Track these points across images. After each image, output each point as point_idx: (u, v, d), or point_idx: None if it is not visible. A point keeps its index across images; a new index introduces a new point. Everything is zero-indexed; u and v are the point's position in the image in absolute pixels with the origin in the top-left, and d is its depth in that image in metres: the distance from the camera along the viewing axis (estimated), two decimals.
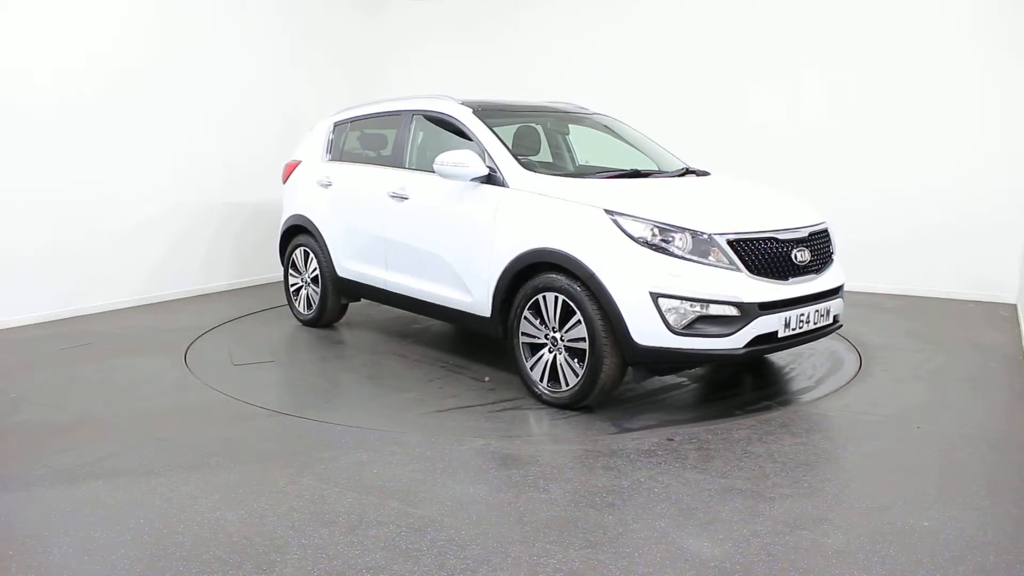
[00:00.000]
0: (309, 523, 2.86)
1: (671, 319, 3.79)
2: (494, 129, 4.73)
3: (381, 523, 2.86)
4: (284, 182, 6.39)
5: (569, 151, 5.61)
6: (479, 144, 4.67)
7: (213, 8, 7.32)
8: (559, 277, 4.07)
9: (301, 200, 6.10)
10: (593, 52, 8.35)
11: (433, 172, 4.73)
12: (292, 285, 6.31)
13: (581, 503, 3.02)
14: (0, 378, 4.69)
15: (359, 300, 5.94)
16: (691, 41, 7.90)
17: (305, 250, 6.07)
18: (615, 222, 3.94)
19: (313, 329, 6.12)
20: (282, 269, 6.45)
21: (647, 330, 3.82)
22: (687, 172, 5.04)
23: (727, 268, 3.86)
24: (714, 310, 3.79)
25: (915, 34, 6.94)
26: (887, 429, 3.86)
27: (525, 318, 4.25)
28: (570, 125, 5.61)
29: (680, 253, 3.85)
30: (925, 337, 5.65)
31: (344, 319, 6.30)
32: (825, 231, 4.42)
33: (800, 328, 4.05)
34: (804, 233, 4.19)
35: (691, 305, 3.78)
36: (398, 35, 9.48)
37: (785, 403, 4.29)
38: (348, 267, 5.70)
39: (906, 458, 3.51)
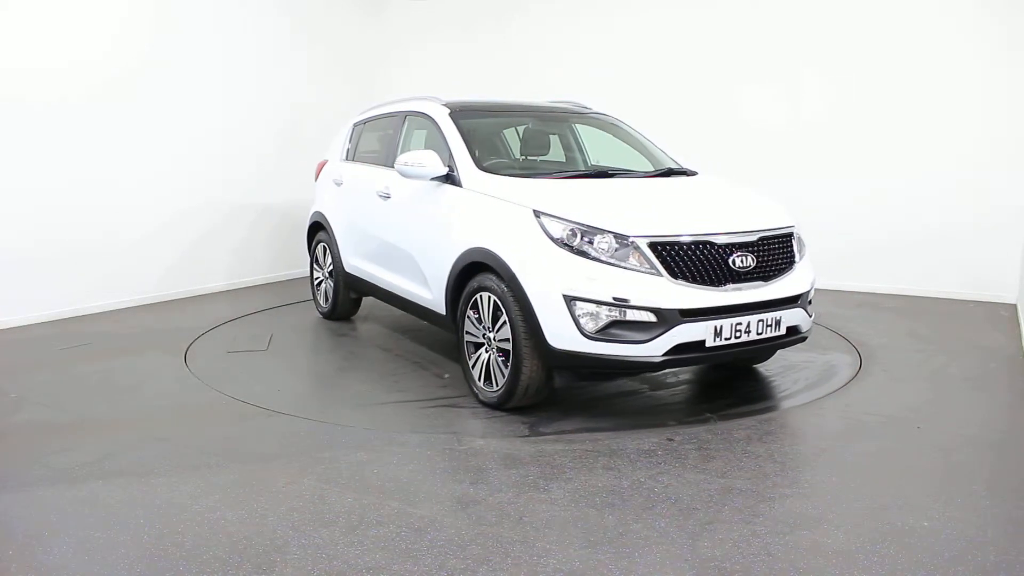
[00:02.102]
0: (309, 523, 2.86)
1: (584, 323, 3.68)
2: (464, 130, 4.75)
3: (381, 523, 2.86)
4: (316, 180, 6.62)
5: (581, 150, 5.57)
6: (445, 144, 4.73)
7: (213, 8, 7.32)
8: (492, 277, 4.04)
9: (321, 198, 6.34)
10: (594, 51, 8.35)
11: None
12: (316, 279, 6.53)
13: (581, 503, 3.02)
14: (0, 378, 4.69)
15: (367, 295, 6.02)
16: (694, 40, 7.90)
17: (324, 246, 6.29)
18: (539, 223, 3.89)
19: (327, 322, 6.32)
20: (278, 269, 6.49)
21: (561, 333, 3.73)
22: (671, 172, 4.92)
23: (646, 272, 3.70)
24: (631, 315, 3.64)
25: (915, 34, 6.95)
26: (887, 429, 3.86)
27: (468, 317, 4.25)
28: (557, 125, 5.55)
29: (598, 255, 3.73)
30: (925, 337, 5.65)
31: (365, 313, 6.47)
32: (785, 236, 4.13)
33: (737, 338, 3.80)
34: (752, 237, 3.93)
35: (608, 310, 3.67)
36: (398, 35, 9.48)
37: (785, 403, 4.29)
38: (352, 263, 5.86)
39: (906, 458, 3.51)
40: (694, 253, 3.78)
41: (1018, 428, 3.95)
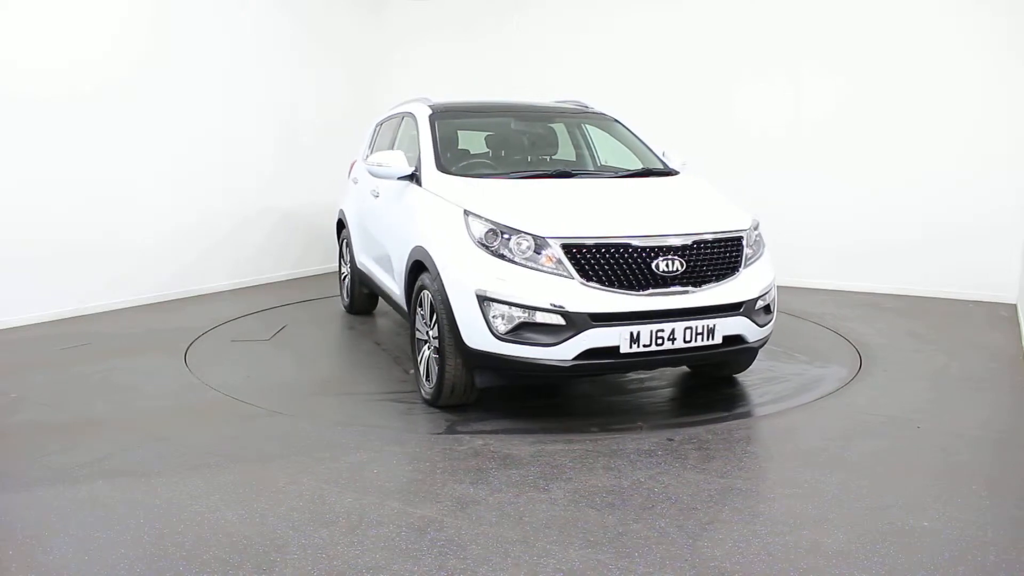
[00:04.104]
0: (309, 523, 2.86)
1: (495, 324, 3.66)
2: (436, 131, 4.80)
3: (381, 523, 2.86)
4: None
5: (590, 149, 5.52)
6: (418, 144, 4.80)
7: (214, 8, 7.32)
8: (428, 275, 4.08)
9: (344, 196, 6.58)
10: (594, 50, 8.35)
11: None
12: (342, 275, 6.78)
13: (581, 503, 3.02)
14: (0, 378, 4.69)
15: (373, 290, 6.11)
16: (695, 41, 7.90)
17: (346, 241, 6.54)
18: (466, 222, 3.90)
19: (341, 317, 6.55)
20: (278, 268, 6.54)
21: (475, 333, 3.72)
22: (649, 172, 4.81)
23: (557, 274, 3.65)
24: (540, 318, 3.60)
25: (915, 35, 6.95)
26: (887, 429, 3.85)
27: (417, 314, 4.29)
28: (547, 125, 5.51)
29: (511, 256, 3.71)
30: (925, 337, 5.65)
31: (388, 308, 6.58)
32: (729, 240, 3.94)
33: (659, 345, 3.67)
34: (684, 241, 3.78)
35: (520, 311, 3.62)
36: (398, 35, 9.48)
37: (785, 403, 4.28)
38: (360, 259, 6.04)
39: (906, 458, 3.51)
40: (612, 256, 3.69)
41: (1018, 428, 3.95)
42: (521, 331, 3.65)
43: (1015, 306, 6.55)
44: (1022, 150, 6.62)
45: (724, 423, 3.94)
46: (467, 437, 3.74)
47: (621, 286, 3.68)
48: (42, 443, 3.68)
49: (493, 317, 3.67)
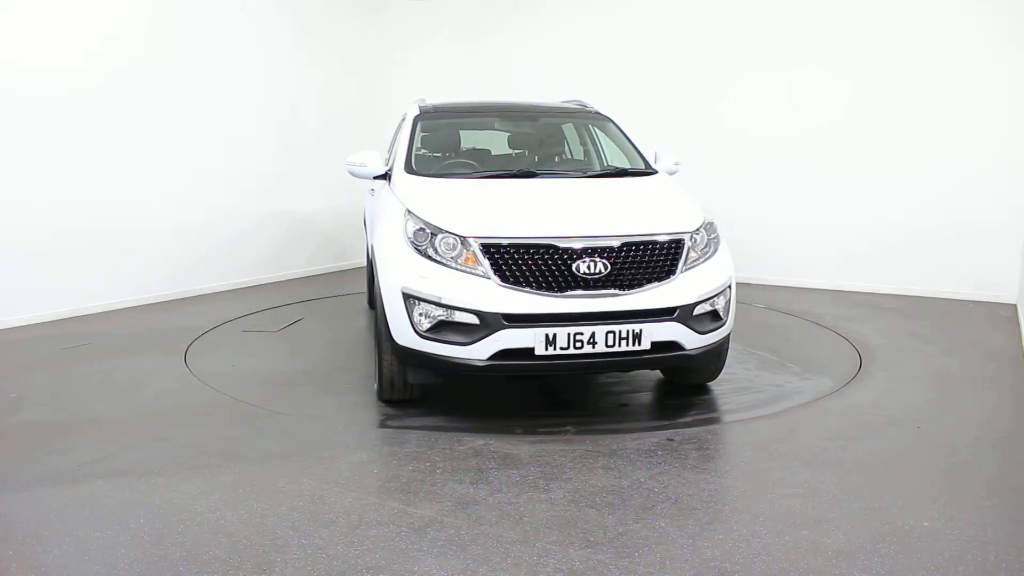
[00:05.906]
0: (309, 523, 2.86)
1: (417, 321, 3.72)
2: (416, 131, 4.87)
3: (381, 523, 2.86)
4: None
5: (596, 147, 5.47)
6: (397, 143, 4.89)
7: (213, 8, 7.32)
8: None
9: (367, 194, 6.67)
10: (594, 50, 8.35)
11: None
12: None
13: (581, 503, 3.02)
14: (0, 378, 4.69)
15: None
16: (696, 41, 7.91)
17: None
18: (404, 222, 3.95)
19: (358, 312, 6.76)
20: (275, 268, 6.59)
21: (400, 329, 3.79)
22: (624, 172, 4.74)
23: (474, 273, 3.66)
24: (457, 317, 3.63)
25: (915, 35, 6.95)
26: (887, 429, 3.85)
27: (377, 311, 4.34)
28: (541, 124, 5.48)
29: (436, 255, 3.75)
30: (925, 337, 5.65)
31: None
32: (665, 244, 3.79)
33: (578, 348, 3.59)
34: (611, 243, 3.68)
35: (439, 309, 3.66)
36: (398, 35, 9.49)
37: (784, 403, 4.28)
38: (369, 254, 6.10)
39: (906, 458, 3.51)
40: (531, 256, 3.65)
41: (1019, 428, 3.95)
42: (440, 329, 3.69)
43: (1015, 306, 6.55)
44: (1022, 151, 6.62)
45: (724, 424, 3.95)
46: (467, 437, 3.73)
47: (539, 287, 3.63)
48: (42, 443, 3.68)
49: (418, 315, 3.72)
